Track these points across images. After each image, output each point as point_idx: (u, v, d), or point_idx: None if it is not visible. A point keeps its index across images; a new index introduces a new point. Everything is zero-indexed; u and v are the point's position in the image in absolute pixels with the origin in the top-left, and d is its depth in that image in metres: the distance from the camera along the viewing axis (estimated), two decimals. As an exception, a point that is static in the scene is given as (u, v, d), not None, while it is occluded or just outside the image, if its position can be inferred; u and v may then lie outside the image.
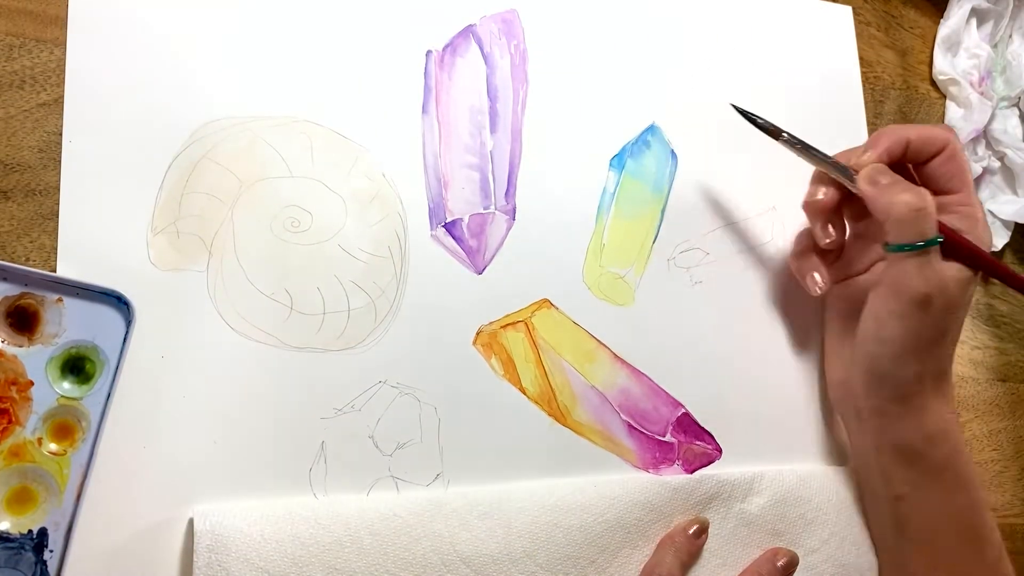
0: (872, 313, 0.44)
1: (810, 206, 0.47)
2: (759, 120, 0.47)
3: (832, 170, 0.46)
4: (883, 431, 0.45)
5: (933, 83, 0.59)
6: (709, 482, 0.46)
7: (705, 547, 0.45)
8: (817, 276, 0.47)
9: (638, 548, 0.44)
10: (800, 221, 0.49)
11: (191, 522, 0.38)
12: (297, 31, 0.44)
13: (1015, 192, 0.58)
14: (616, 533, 0.43)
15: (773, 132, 0.47)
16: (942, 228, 0.43)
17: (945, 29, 0.59)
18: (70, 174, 0.39)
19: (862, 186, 0.44)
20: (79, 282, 0.38)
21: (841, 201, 0.46)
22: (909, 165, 0.46)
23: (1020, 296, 0.58)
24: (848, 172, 0.45)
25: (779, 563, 0.45)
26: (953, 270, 0.43)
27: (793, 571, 0.46)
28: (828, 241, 0.46)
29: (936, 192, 0.44)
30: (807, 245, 0.48)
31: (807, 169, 0.47)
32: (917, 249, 0.42)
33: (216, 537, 0.38)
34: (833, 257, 0.49)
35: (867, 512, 0.48)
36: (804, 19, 0.55)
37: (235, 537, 0.38)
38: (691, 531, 0.44)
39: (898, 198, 0.42)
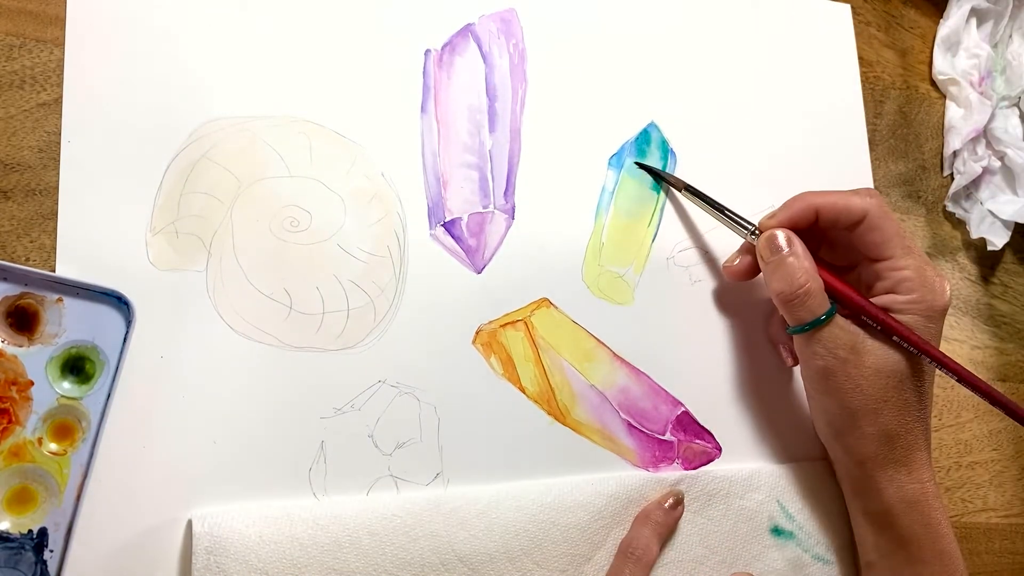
0: (806, 390, 0.45)
1: (727, 270, 0.48)
2: (663, 174, 0.47)
3: (733, 226, 0.46)
4: (853, 496, 0.45)
5: (933, 83, 0.59)
6: (707, 478, 0.46)
7: (705, 544, 0.45)
8: (783, 349, 0.48)
9: (637, 547, 0.44)
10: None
11: (190, 523, 0.38)
12: (296, 31, 0.44)
13: (1015, 192, 0.58)
14: (614, 531, 0.43)
15: (676, 184, 0.47)
16: (846, 298, 0.42)
17: (945, 29, 0.59)
18: (70, 174, 0.40)
19: (759, 258, 0.44)
20: (79, 282, 0.38)
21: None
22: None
23: (1020, 295, 0.58)
24: (753, 229, 0.45)
25: (667, 504, 0.44)
26: (849, 338, 0.42)
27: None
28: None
29: (869, 259, 0.44)
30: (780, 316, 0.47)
31: (806, 169, 0.47)
32: (803, 331, 0.42)
33: (215, 539, 0.38)
34: None
35: None
36: (804, 19, 0.55)
37: (233, 539, 0.38)
38: (667, 504, 0.44)
39: (772, 286, 0.43)
